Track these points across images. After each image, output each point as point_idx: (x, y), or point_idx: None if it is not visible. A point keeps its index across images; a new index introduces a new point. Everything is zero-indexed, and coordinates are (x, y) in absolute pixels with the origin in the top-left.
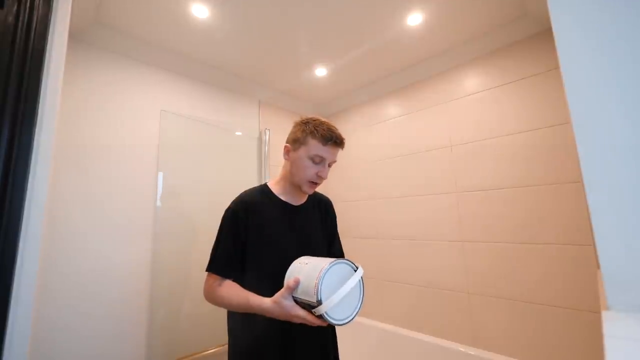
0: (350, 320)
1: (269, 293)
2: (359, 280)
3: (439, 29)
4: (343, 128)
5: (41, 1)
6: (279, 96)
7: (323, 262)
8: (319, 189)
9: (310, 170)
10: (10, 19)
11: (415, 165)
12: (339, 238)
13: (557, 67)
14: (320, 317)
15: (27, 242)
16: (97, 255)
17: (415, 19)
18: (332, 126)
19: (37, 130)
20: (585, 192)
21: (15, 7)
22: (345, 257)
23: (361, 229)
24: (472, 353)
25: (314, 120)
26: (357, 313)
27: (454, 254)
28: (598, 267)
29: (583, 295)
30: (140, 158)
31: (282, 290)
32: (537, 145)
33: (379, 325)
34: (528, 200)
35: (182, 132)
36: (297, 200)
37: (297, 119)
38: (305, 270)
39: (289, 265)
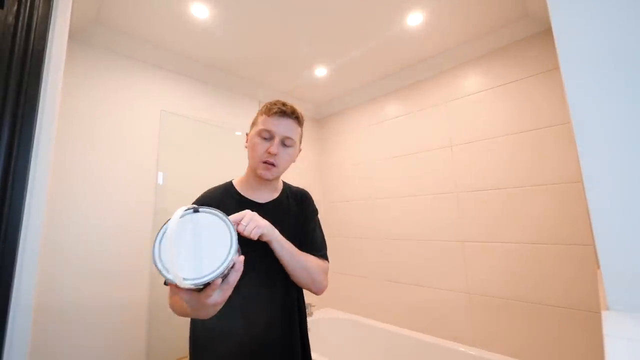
0: (223, 270)
1: (230, 300)
2: (216, 218)
3: (439, 29)
4: (343, 128)
5: (41, 1)
6: (279, 96)
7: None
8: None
9: (260, 148)
10: (11, 19)
11: (415, 165)
12: (318, 231)
13: (557, 67)
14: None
15: (27, 243)
16: (97, 255)
17: (415, 19)
18: (282, 101)
19: (37, 130)
20: (585, 192)
21: (15, 7)
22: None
23: (361, 229)
24: (472, 353)
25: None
26: (230, 260)
27: (453, 254)
28: (598, 267)
29: (583, 295)
30: (140, 158)
31: None
32: (537, 145)
33: (379, 325)
34: (528, 200)
35: (182, 132)
36: (265, 196)
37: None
38: None
39: (253, 265)
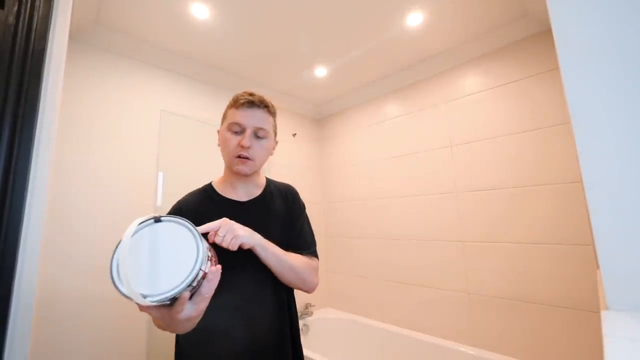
0: (188, 283)
1: (211, 308)
2: (181, 227)
3: (439, 29)
4: (343, 128)
5: (42, 1)
6: (279, 96)
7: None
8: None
9: (232, 143)
10: (11, 19)
11: (415, 165)
12: (307, 228)
13: (557, 67)
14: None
15: (28, 243)
16: (96, 256)
17: (415, 19)
18: (249, 91)
19: (37, 130)
20: (585, 192)
21: (15, 8)
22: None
23: (361, 229)
24: (472, 353)
25: None
26: (195, 272)
27: (454, 254)
28: (598, 267)
29: (583, 295)
30: (140, 158)
31: None
32: (537, 145)
33: (379, 325)
34: (528, 200)
35: (182, 132)
36: (246, 194)
37: (295, 118)
38: None
39: (235, 273)
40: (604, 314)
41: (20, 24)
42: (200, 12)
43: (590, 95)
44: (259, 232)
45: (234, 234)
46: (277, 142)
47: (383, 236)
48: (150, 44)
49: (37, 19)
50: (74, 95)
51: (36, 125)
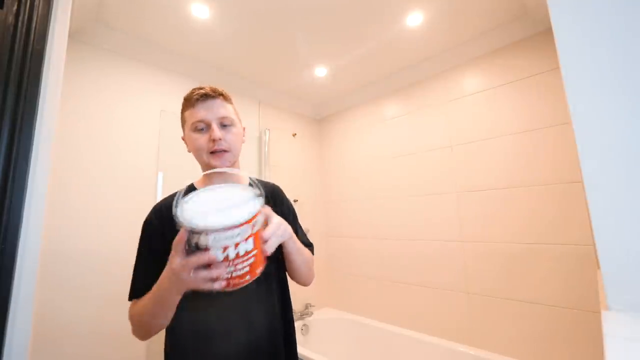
0: (242, 223)
1: (208, 307)
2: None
3: (439, 29)
4: (343, 128)
5: (41, 1)
6: (279, 96)
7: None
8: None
9: (200, 141)
10: (10, 18)
11: (415, 165)
12: (299, 226)
13: (557, 67)
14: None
15: (28, 242)
16: (97, 256)
17: (415, 19)
18: (197, 86)
19: (37, 130)
20: (585, 192)
21: (15, 7)
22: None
23: (360, 229)
24: (472, 353)
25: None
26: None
27: (454, 254)
28: (598, 267)
29: (583, 295)
30: (140, 158)
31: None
32: (537, 145)
33: (378, 325)
34: (528, 200)
35: (182, 132)
36: None
37: (295, 118)
38: None
39: None
40: (604, 314)
41: (20, 24)
42: (200, 12)
43: (591, 95)
44: None
45: (285, 228)
46: (244, 128)
47: (383, 236)
48: (150, 44)
49: (37, 19)
50: (73, 95)
51: (36, 125)
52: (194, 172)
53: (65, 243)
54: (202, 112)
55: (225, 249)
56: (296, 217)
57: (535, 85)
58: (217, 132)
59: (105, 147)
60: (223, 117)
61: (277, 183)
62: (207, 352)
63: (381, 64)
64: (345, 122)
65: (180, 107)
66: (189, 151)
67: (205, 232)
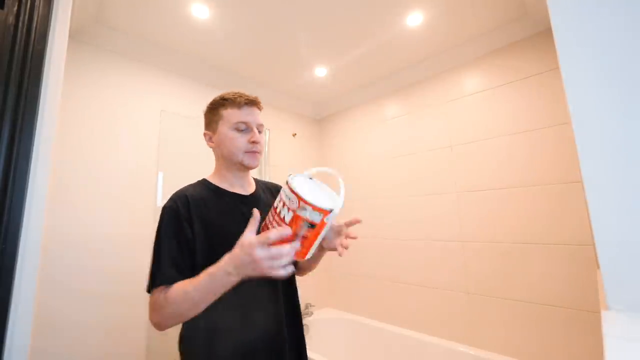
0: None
1: (228, 299)
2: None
3: (439, 29)
4: (343, 128)
5: (41, 1)
6: (279, 96)
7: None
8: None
9: (241, 140)
10: (11, 19)
11: (415, 165)
12: None
13: (557, 67)
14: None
15: (28, 243)
16: (97, 256)
17: (415, 19)
18: (239, 91)
19: (37, 130)
20: (585, 192)
21: (15, 8)
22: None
23: (360, 229)
24: (472, 353)
25: (218, 96)
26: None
27: (454, 254)
28: (598, 267)
29: (583, 295)
30: (140, 158)
31: (245, 230)
32: (537, 145)
33: (379, 325)
34: (528, 200)
35: (182, 132)
36: (244, 189)
37: (295, 118)
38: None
39: None
40: (604, 314)
41: (20, 24)
42: (200, 12)
43: (590, 95)
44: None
45: None
46: None
47: (382, 236)
48: (150, 44)
49: (37, 19)
50: (73, 95)
51: (36, 126)
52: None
53: (65, 241)
54: (247, 115)
55: (311, 228)
56: None
57: (535, 85)
58: (258, 135)
59: (106, 147)
60: (260, 125)
61: (277, 183)
62: (227, 345)
63: (381, 64)
64: (345, 122)
65: (180, 106)
66: (211, 146)
67: (333, 212)
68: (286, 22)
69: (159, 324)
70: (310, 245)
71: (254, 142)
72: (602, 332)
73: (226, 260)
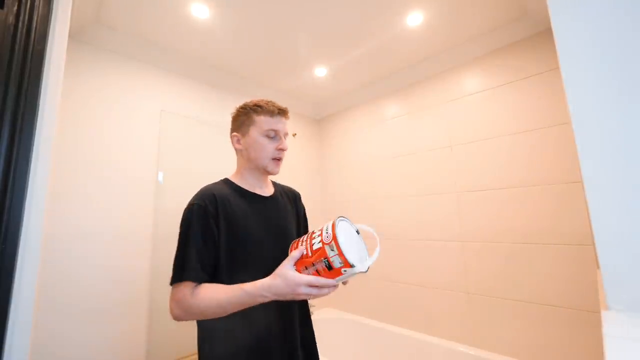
0: (367, 266)
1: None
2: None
3: (438, 29)
4: (343, 128)
5: (41, 1)
6: (279, 96)
7: (326, 226)
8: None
9: (269, 147)
10: (11, 19)
11: (415, 165)
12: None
13: (557, 67)
14: (335, 272)
15: (28, 244)
16: (97, 256)
17: (415, 19)
18: (271, 101)
19: (37, 130)
20: (585, 192)
21: (15, 8)
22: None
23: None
24: (472, 353)
25: (251, 102)
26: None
27: (454, 254)
28: (598, 267)
29: (583, 295)
30: (140, 158)
31: (285, 261)
32: (537, 145)
33: (378, 325)
34: (528, 200)
35: (182, 132)
36: (263, 190)
37: (295, 118)
38: (304, 239)
39: (264, 260)
40: (604, 314)
41: (20, 24)
42: (200, 12)
43: (590, 95)
44: (284, 223)
45: None
46: None
47: (382, 236)
48: (150, 44)
49: (37, 19)
50: (73, 95)
51: (36, 126)
52: (193, 172)
53: (65, 241)
54: (278, 124)
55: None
56: (307, 221)
57: (535, 85)
58: (286, 144)
59: (106, 147)
60: (286, 134)
61: (292, 187)
62: (236, 345)
63: (381, 64)
64: (345, 122)
65: (180, 106)
66: (238, 148)
67: (352, 268)
68: (286, 22)
69: (179, 317)
70: None
71: (280, 150)
72: (602, 332)
73: (265, 287)
